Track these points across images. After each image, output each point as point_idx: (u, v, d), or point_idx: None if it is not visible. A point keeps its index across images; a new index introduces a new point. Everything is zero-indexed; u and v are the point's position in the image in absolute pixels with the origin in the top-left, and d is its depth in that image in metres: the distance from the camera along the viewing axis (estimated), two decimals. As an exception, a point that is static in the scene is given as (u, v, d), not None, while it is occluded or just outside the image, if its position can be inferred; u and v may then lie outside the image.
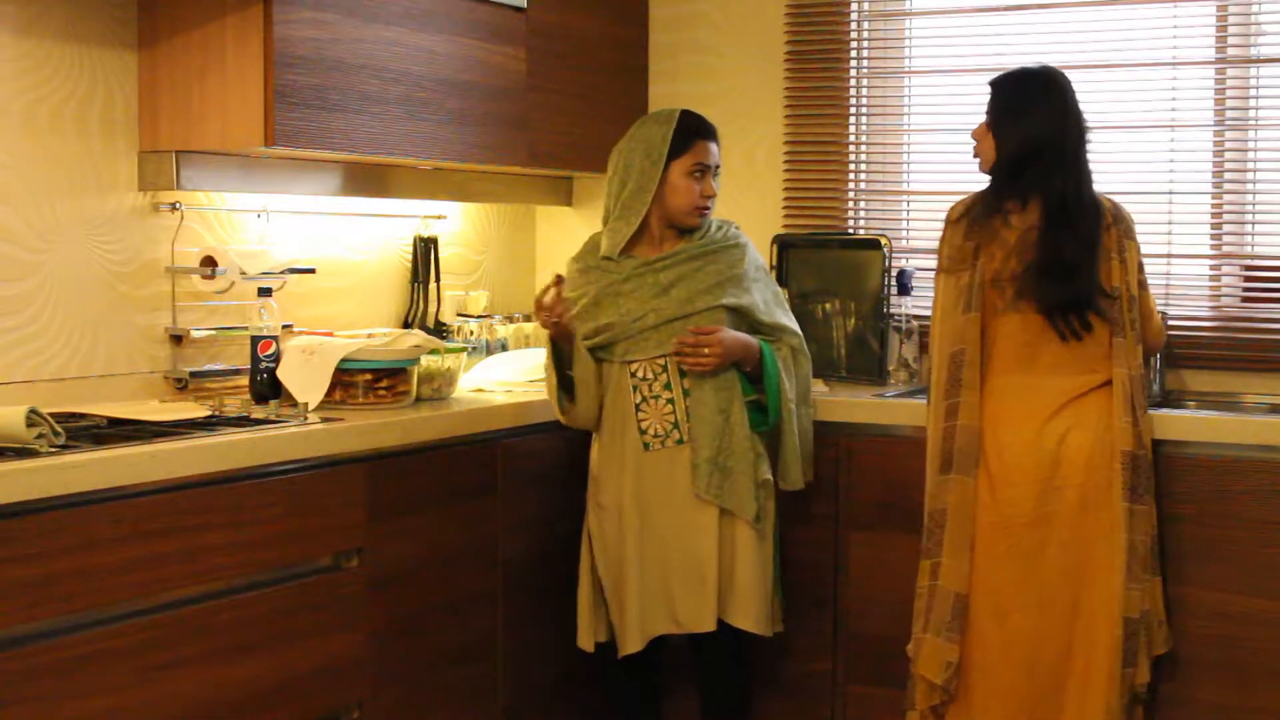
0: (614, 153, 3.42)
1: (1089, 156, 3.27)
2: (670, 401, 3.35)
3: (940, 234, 3.35)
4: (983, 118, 3.33)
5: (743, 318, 3.40)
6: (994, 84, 3.35)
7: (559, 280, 3.27)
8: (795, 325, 3.50)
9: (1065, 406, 3.22)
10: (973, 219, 3.28)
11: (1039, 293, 3.21)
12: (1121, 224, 3.26)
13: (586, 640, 3.46)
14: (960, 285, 3.27)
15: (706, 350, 3.29)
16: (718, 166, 3.42)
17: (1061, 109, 3.25)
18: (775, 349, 3.41)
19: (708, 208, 3.40)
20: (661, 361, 3.35)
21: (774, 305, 3.48)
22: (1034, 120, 3.25)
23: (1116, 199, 3.32)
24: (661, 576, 3.35)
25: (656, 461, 3.35)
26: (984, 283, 3.26)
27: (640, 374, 3.36)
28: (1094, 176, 3.27)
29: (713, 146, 3.41)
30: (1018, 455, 3.22)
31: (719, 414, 3.33)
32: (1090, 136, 3.28)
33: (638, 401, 3.35)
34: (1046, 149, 3.22)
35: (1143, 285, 3.31)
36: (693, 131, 3.37)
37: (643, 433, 3.35)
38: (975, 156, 3.35)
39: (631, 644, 3.36)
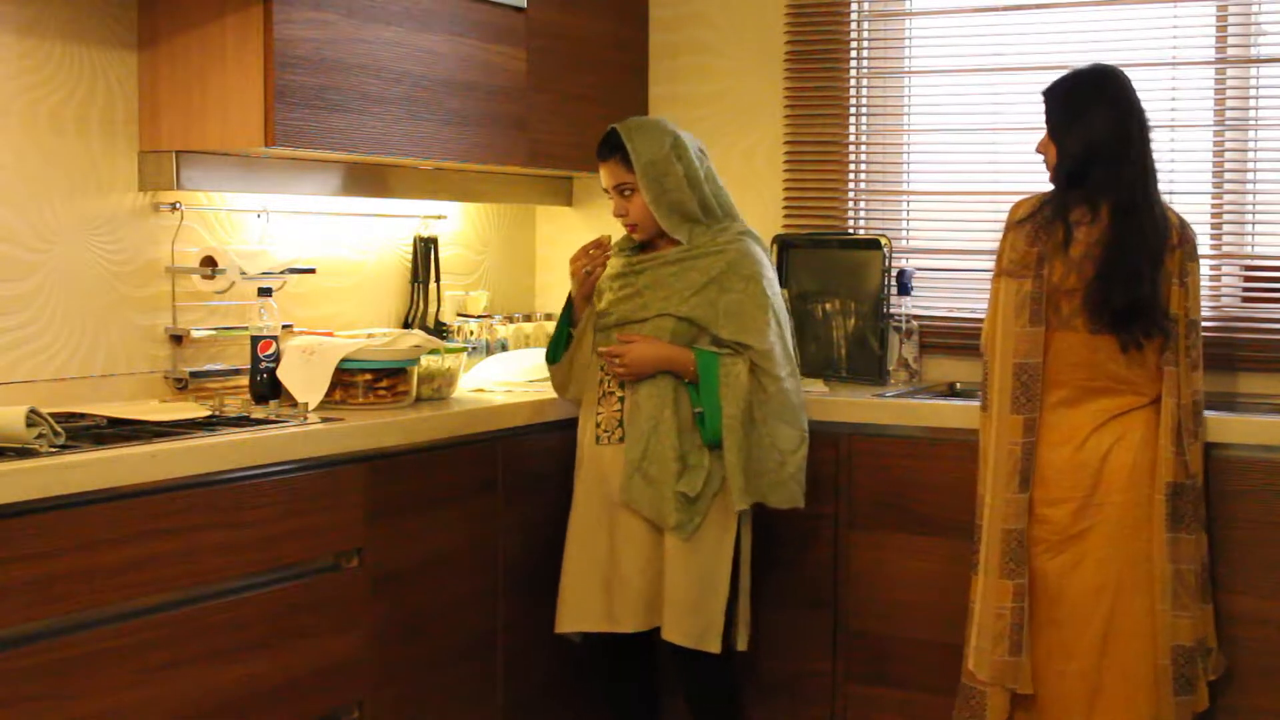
0: None
1: (1153, 156, 3.21)
2: (620, 400, 3.41)
3: (1001, 235, 3.22)
4: (1039, 130, 3.26)
5: (703, 329, 3.37)
6: (1046, 93, 3.26)
7: (608, 239, 3.41)
8: (765, 340, 3.34)
9: (1107, 424, 3.18)
10: (1038, 224, 3.16)
11: (1101, 299, 3.11)
12: (1186, 245, 3.19)
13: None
14: (1024, 293, 3.15)
15: (618, 360, 3.32)
16: (622, 185, 3.40)
17: (1123, 106, 3.18)
18: (732, 362, 3.32)
19: (627, 226, 3.45)
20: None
21: (747, 317, 3.35)
22: (1092, 120, 3.16)
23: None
24: (597, 570, 3.41)
25: (603, 455, 3.41)
26: (1047, 294, 3.15)
27: (605, 367, 3.42)
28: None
29: (605, 169, 3.42)
30: (1058, 473, 3.17)
31: (648, 420, 3.35)
32: (1152, 135, 3.22)
33: (599, 395, 3.43)
34: (1109, 149, 3.15)
35: None
36: (597, 153, 3.47)
37: (597, 425, 3.42)
38: (1047, 168, 3.27)
39: (560, 624, 3.44)
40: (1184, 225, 3.23)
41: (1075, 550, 3.17)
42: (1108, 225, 3.14)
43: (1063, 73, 3.29)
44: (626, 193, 3.39)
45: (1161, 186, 3.82)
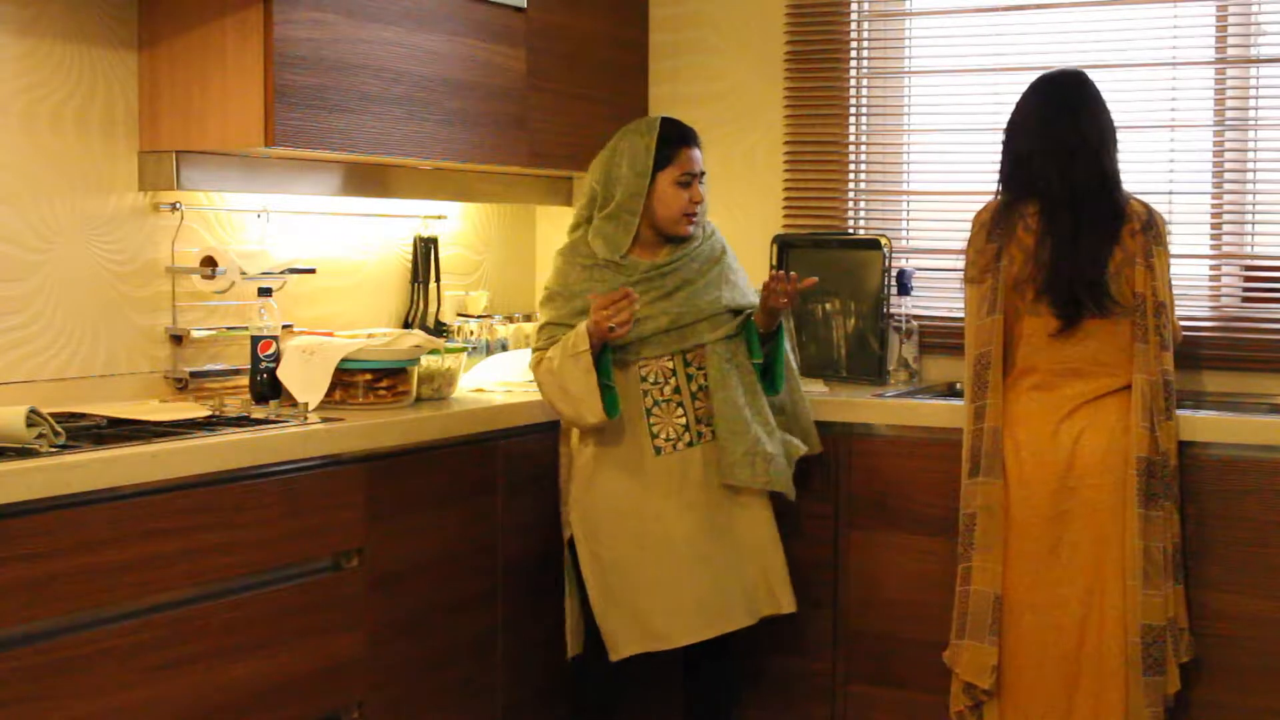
0: (596, 162, 3.39)
1: (1118, 157, 3.31)
2: (680, 405, 3.34)
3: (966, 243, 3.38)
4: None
5: (737, 312, 3.40)
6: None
7: (632, 295, 3.20)
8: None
9: (1081, 408, 3.24)
10: (994, 222, 3.31)
11: (1049, 281, 3.22)
12: (1152, 230, 3.25)
13: (576, 645, 3.43)
14: (984, 290, 3.29)
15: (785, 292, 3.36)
16: (704, 173, 3.37)
17: (1068, 107, 3.29)
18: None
19: (695, 215, 3.35)
20: (670, 365, 3.33)
21: (750, 288, 3.49)
22: (1035, 121, 3.31)
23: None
24: (696, 577, 3.31)
25: (666, 465, 3.32)
26: (1006, 286, 3.27)
27: (651, 378, 3.33)
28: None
29: (697, 153, 3.36)
30: (1034, 455, 3.23)
31: (747, 408, 3.34)
32: (1118, 136, 3.32)
33: (649, 406, 3.33)
34: (1049, 149, 3.26)
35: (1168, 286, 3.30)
36: (678, 140, 3.35)
37: (654, 437, 3.32)
38: None
39: (657, 643, 3.30)
40: (1150, 213, 3.29)
41: (1053, 534, 3.21)
42: (1058, 215, 3.23)
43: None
44: (703, 180, 3.40)
45: (1161, 186, 3.89)
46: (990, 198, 3.40)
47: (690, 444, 3.33)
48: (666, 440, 3.33)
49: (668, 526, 3.31)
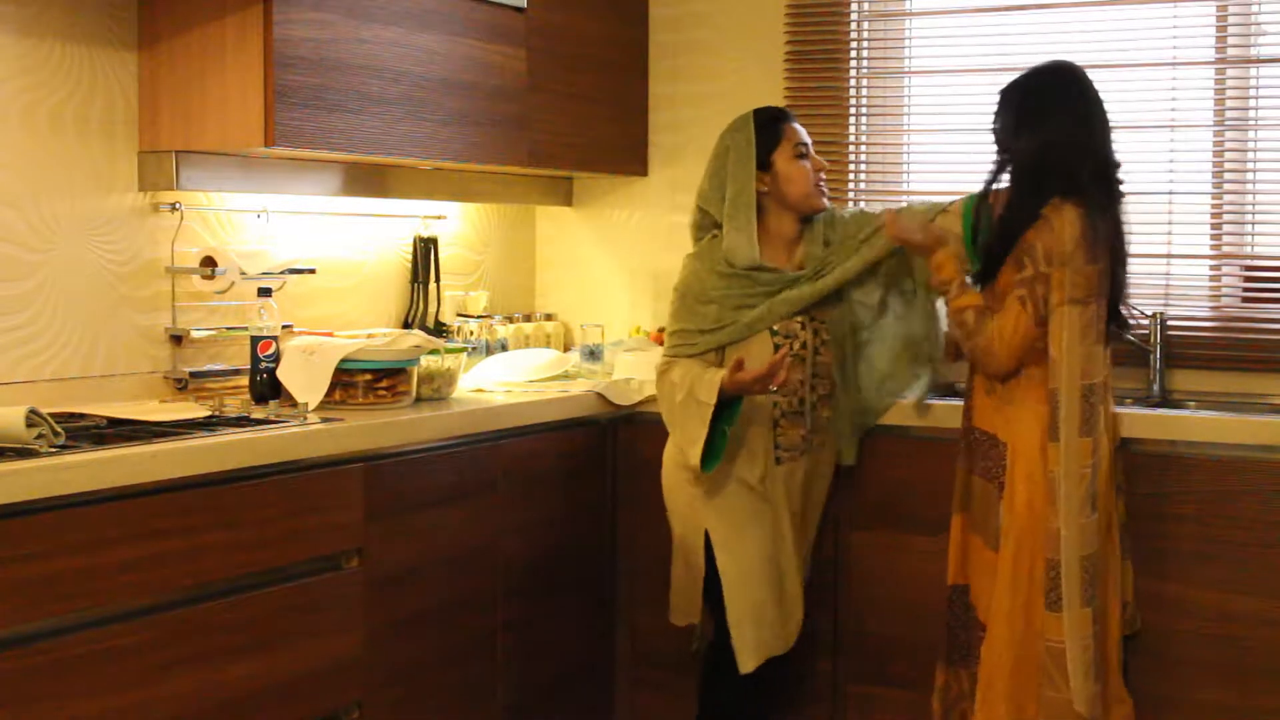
0: (707, 171, 3.41)
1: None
2: (802, 415, 3.39)
3: (1045, 262, 3.07)
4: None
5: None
6: (1008, 90, 3.27)
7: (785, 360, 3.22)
8: None
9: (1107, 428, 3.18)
10: (1089, 242, 3.05)
11: (1117, 312, 3.14)
12: None
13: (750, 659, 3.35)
14: (1089, 314, 3.06)
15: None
16: (811, 144, 3.43)
17: (1091, 102, 3.17)
18: None
19: (823, 184, 3.41)
20: (799, 377, 3.37)
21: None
22: (1067, 117, 3.16)
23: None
24: (782, 590, 3.40)
25: (781, 473, 3.39)
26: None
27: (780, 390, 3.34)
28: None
29: (799, 125, 3.42)
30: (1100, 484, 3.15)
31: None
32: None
33: (777, 416, 3.37)
34: (1093, 146, 3.14)
35: None
36: (775, 119, 3.41)
37: (778, 446, 3.38)
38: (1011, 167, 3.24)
39: (758, 658, 3.33)
40: None
41: (1104, 556, 3.16)
42: (1120, 234, 3.15)
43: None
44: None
45: (1161, 186, 3.89)
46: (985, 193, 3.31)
47: (803, 453, 3.41)
48: (787, 450, 3.39)
49: (769, 537, 3.38)
